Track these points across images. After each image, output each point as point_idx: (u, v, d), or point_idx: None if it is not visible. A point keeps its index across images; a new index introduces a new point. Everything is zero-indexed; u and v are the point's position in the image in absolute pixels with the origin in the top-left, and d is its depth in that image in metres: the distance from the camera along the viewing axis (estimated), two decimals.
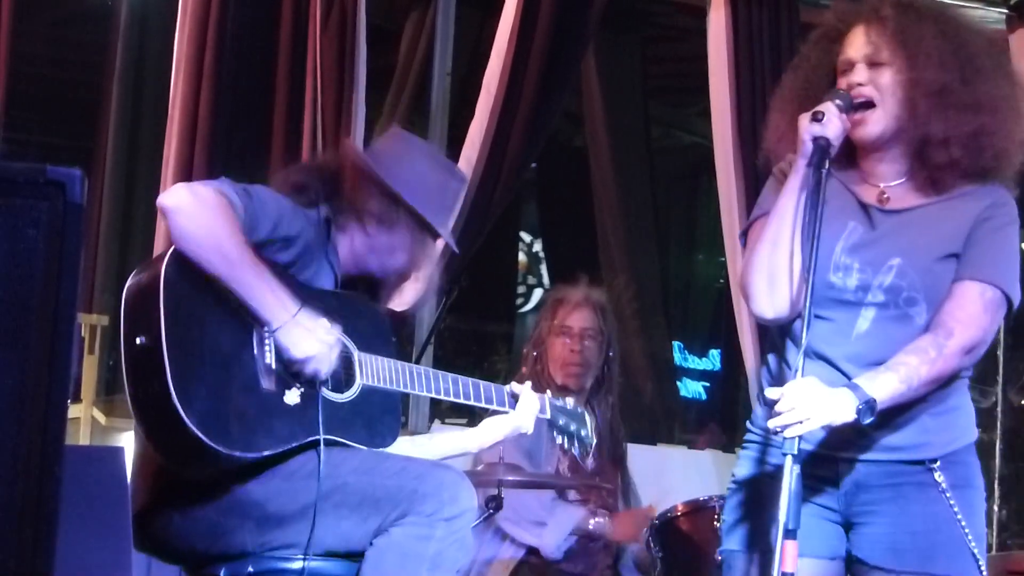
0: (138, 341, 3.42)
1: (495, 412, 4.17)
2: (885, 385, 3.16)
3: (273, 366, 3.56)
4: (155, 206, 5.87)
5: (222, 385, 3.46)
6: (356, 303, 3.94)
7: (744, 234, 3.50)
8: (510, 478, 4.96)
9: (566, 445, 4.33)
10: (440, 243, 4.17)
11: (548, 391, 4.44)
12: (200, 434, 3.34)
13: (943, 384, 3.29)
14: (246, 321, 3.54)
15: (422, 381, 3.91)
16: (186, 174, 5.81)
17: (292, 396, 3.58)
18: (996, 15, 7.27)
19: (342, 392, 3.71)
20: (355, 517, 3.64)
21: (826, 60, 3.44)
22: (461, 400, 4.03)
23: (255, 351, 3.55)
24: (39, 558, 2.13)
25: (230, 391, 3.47)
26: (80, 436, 6.67)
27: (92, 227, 7.70)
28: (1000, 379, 8.82)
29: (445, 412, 7.63)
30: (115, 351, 8.19)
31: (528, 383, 4.21)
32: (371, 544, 3.66)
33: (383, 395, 3.84)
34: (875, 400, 3.12)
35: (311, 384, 3.61)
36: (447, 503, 3.66)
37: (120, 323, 3.51)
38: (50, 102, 9.73)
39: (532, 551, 5.53)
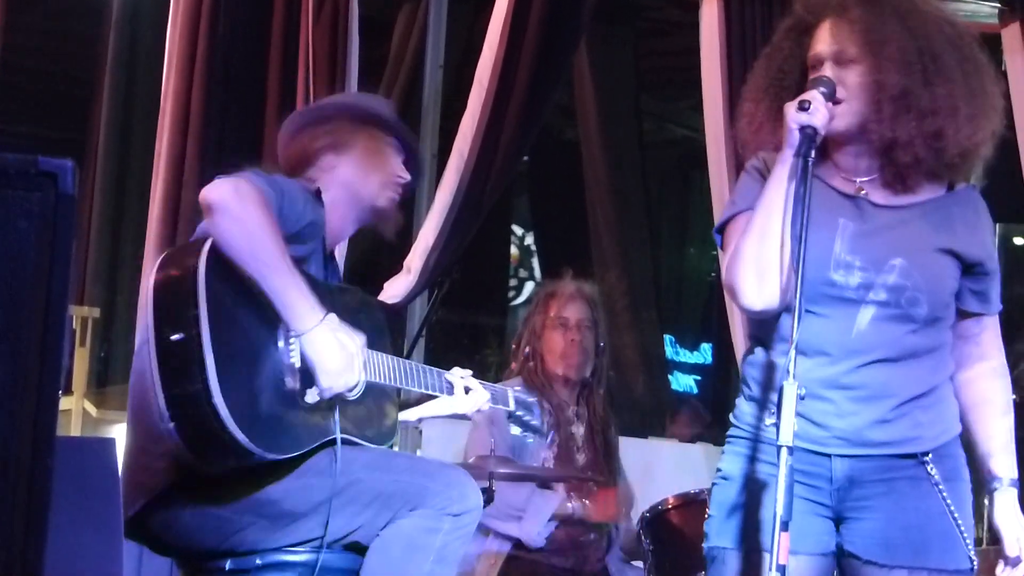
0: (173, 337, 3.36)
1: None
2: (1011, 460, 3.42)
3: (296, 365, 3.54)
4: (147, 199, 5.95)
5: (256, 384, 3.44)
6: (358, 297, 3.95)
7: (720, 231, 3.47)
8: (501, 471, 4.97)
9: (519, 433, 4.41)
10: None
11: (544, 385, 4.48)
12: (239, 434, 3.30)
13: (931, 377, 3.33)
14: (272, 318, 3.52)
15: (416, 377, 3.93)
16: (178, 166, 5.82)
17: (312, 395, 3.56)
18: (988, 9, 7.27)
19: (351, 391, 3.72)
20: (367, 513, 3.64)
21: (798, 51, 3.42)
22: (439, 393, 4.08)
23: (280, 348, 3.53)
24: (30, 549, 2.13)
25: (263, 390, 3.45)
26: (71, 428, 6.67)
27: (84, 219, 7.71)
28: None
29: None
30: (106, 343, 8.21)
31: (511, 382, 4.25)
32: (377, 534, 3.67)
33: (381, 391, 3.85)
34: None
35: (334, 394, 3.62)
36: (456, 500, 3.68)
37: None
38: (42, 94, 9.74)
39: (517, 544, 5.54)
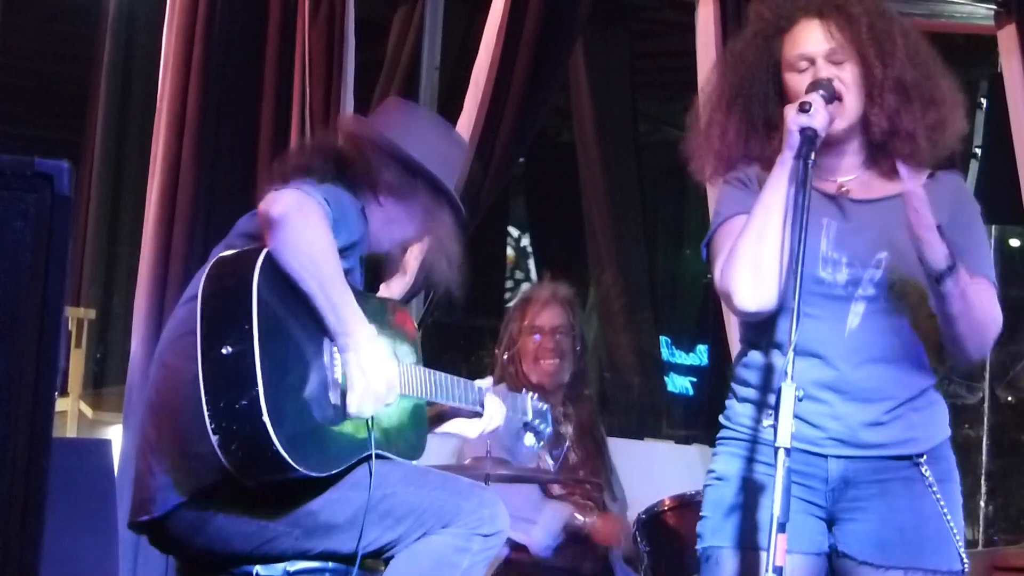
0: (223, 351, 3.35)
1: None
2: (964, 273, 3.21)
3: (340, 380, 3.53)
4: (143, 200, 5.95)
5: (301, 400, 3.43)
6: (390, 307, 3.93)
7: (708, 243, 3.46)
8: (498, 472, 4.97)
9: (533, 443, 4.41)
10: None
11: (526, 392, 4.48)
12: (286, 454, 3.30)
13: (923, 379, 3.33)
14: (319, 333, 3.51)
15: (448, 390, 3.94)
16: (174, 168, 5.81)
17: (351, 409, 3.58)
18: (984, 11, 7.28)
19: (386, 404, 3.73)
20: (400, 528, 3.64)
21: (766, 57, 3.41)
22: (469, 407, 4.08)
23: (325, 363, 3.52)
24: (26, 549, 2.13)
25: (308, 406, 3.44)
26: (67, 429, 6.67)
27: (80, 220, 7.70)
28: (987, 375, 8.85)
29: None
30: (102, 344, 8.20)
31: (492, 389, 4.23)
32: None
33: (413, 404, 3.86)
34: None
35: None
36: (487, 521, 3.70)
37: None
38: (38, 95, 9.73)
39: (516, 548, 5.53)
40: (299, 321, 3.48)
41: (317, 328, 3.51)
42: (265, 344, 3.33)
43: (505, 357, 5.87)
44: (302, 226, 3.42)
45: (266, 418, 3.28)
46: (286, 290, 3.44)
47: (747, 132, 3.41)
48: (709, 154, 3.47)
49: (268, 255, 3.43)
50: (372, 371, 3.52)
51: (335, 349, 3.54)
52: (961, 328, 3.25)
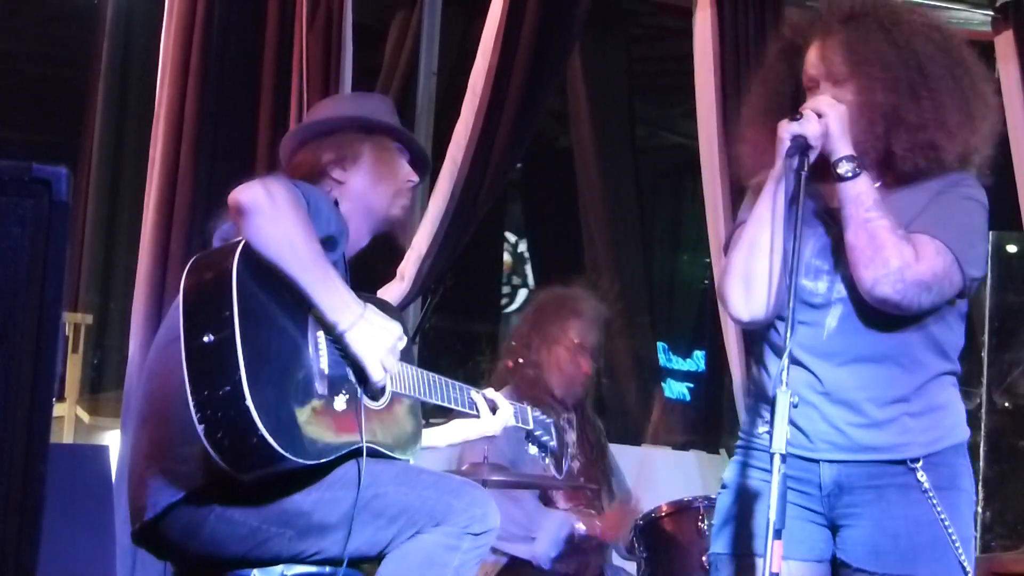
0: (205, 339, 3.33)
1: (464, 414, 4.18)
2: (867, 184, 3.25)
3: (326, 371, 3.52)
4: (140, 205, 5.95)
5: (286, 389, 3.41)
6: (384, 308, 3.91)
7: (727, 246, 3.50)
8: (496, 478, 4.96)
9: (537, 454, 4.41)
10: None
11: (527, 404, 4.48)
12: (271, 439, 3.27)
13: (913, 377, 3.32)
14: (303, 323, 3.50)
15: (440, 391, 3.93)
16: (172, 173, 5.81)
17: (340, 402, 3.54)
18: (981, 17, 7.30)
19: (377, 400, 3.71)
20: (392, 528, 3.63)
21: (791, 73, 3.45)
22: (463, 409, 4.07)
23: (310, 354, 3.51)
24: (23, 554, 2.13)
25: (293, 395, 3.42)
26: (64, 435, 6.66)
27: (77, 226, 7.70)
28: (984, 381, 8.84)
29: (430, 412, 7.62)
30: (100, 349, 8.20)
31: (499, 392, 4.23)
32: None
33: (406, 403, 3.85)
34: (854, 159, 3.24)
35: (367, 389, 3.61)
36: (477, 519, 3.68)
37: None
38: (36, 100, 9.73)
39: (518, 562, 5.51)
40: (283, 311, 3.46)
41: (302, 317, 3.50)
42: (247, 331, 3.31)
43: (523, 359, 5.80)
44: (275, 210, 3.41)
45: (249, 402, 3.25)
46: (268, 280, 3.42)
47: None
48: (744, 167, 3.52)
49: (247, 245, 3.42)
50: (377, 341, 3.52)
51: (320, 338, 3.53)
52: (849, 238, 3.24)
